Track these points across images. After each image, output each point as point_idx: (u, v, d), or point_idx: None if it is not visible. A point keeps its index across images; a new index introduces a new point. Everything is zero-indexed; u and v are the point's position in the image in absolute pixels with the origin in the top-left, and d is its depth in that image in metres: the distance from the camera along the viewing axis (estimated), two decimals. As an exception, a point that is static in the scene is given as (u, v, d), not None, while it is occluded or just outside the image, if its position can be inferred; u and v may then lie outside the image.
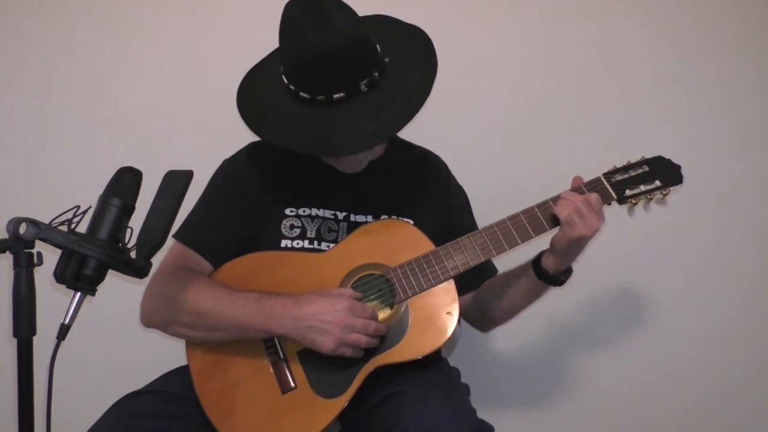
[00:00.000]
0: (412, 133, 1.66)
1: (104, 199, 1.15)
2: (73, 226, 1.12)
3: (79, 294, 1.13)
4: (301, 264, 1.50)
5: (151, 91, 2.01)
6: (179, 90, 2.01)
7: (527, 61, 2.01)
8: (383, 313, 1.45)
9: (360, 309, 1.39)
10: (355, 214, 1.59)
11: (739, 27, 1.99)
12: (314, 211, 1.57)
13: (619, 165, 1.53)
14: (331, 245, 1.54)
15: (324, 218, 1.57)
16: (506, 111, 2.01)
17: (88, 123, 2.00)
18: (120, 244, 1.15)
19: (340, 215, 1.58)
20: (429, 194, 1.66)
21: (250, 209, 1.56)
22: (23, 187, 1.99)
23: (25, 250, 1.07)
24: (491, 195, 1.80)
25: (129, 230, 1.16)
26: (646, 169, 1.51)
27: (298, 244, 1.54)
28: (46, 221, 1.09)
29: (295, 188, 1.58)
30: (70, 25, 2.01)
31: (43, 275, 1.12)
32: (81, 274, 1.12)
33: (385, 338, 1.41)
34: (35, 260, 1.09)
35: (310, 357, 1.41)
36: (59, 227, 1.11)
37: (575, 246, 1.44)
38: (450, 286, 1.46)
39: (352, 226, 1.56)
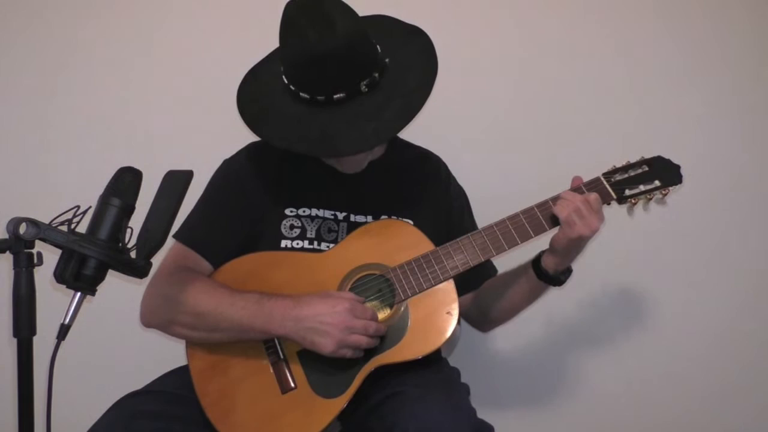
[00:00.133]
0: (412, 133, 1.66)
1: (104, 199, 1.15)
2: (73, 226, 1.12)
3: (79, 294, 1.13)
4: (300, 264, 1.50)
5: (151, 91, 2.01)
6: (179, 90, 2.01)
7: (527, 61, 2.01)
8: (383, 313, 1.45)
9: (360, 310, 1.39)
10: (355, 214, 1.59)
11: (740, 26, 1.99)
12: (314, 212, 1.57)
13: (618, 165, 1.53)
14: (331, 245, 1.54)
15: (324, 218, 1.57)
16: (506, 111, 2.01)
17: (89, 123, 2.00)
18: (120, 244, 1.15)
19: (340, 215, 1.58)
20: (429, 194, 1.66)
21: (250, 209, 1.56)
22: (23, 187, 1.99)
23: (25, 250, 1.07)
24: (491, 195, 1.80)
25: (129, 230, 1.16)
26: (646, 169, 1.51)
27: (297, 244, 1.54)
28: (46, 221, 1.09)
29: (295, 188, 1.59)
30: (70, 26, 2.01)
31: (43, 275, 1.12)
32: (81, 274, 1.12)
33: (384, 338, 1.41)
34: (35, 260, 1.09)
35: (310, 357, 1.40)
36: (59, 227, 1.11)
37: (575, 246, 1.45)
38: (450, 286, 1.46)
39: (352, 227, 1.56)
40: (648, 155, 1.53)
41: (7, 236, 1.08)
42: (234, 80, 1.56)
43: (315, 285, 1.45)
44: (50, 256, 1.11)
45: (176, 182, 1.22)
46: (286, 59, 1.46)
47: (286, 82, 1.46)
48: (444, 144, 1.79)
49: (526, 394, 2.04)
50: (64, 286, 1.13)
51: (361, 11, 1.46)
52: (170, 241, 1.40)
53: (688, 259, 1.98)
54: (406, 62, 1.48)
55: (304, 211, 1.57)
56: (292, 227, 1.55)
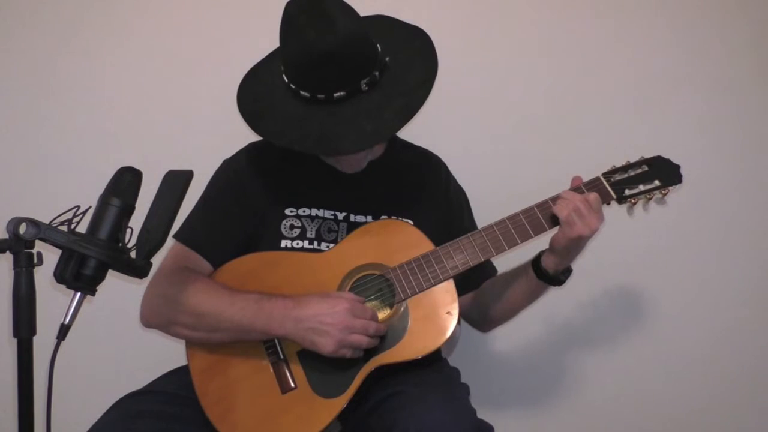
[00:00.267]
0: (412, 133, 1.67)
1: (104, 199, 1.16)
2: (73, 226, 1.12)
3: (79, 294, 1.13)
4: (300, 264, 1.50)
5: (151, 91, 2.01)
6: (179, 90, 2.01)
7: (527, 61, 2.01)
8: (383, 313, 1.45)
9: (360, 310, 1.39)
10: (355, 214, 1.59)
11: (740, 26, 1.99)
12: (314, 212, 1.57)
13: (618, 165, 1.53)
14: (331, 245, 1.54)
15: (324, 218, 1.57)
16: (506, 111, 2.01)
17: (88, 123, 2.00)
18: (120, 244, 1.15)
19: (340, 215, 1.58)
20: (429, 194, 1.66)
21: (250, 209, 1.56)
22: (23, 187, 1.99)
23: (25, 250, 1.07)
24: (491, 195, 1.80)
25: (129, 230, 1.17)
26: (646, 168, 1.51)
27: (298, 244, 1.54)
28: (46, 221, 1.09)
29: (295, 188, 1.59)
30: (69, 25, 2.01)
31: (43, 275, 1.12)
32: (81, 274, 1.12)
33: (384, 338, 1.41)
34: (35, 260, 1.09)
35: (310, 357, 1.40)
36: (59, 227, 1.11)
37: (575, 246, 1.45)
38: (450, 286, 1.46)
39: (352, 227, 1.56)
40: (648, 155, 1.53)
41: (7, 236, 1.08)
42: (234, 80, 1.56)
43: (315, 285, 1.45)
44: (50, 256, 1.12)
45: (176, 182, 1.22)
46: (287, 58, 1.46)
47: (286, 80, 1.46)
48: (444, 144, 1.79)
49: (526, 394, 2.04)
50: (64, 286, 1.13)
51: (361, 11, 1.46)
52: (170, 241, 1.40)
53: (687, 259, 1.98)
54: (406, 61, 1.49)
55: (304, 211, 1.57)
56: (292, 227, 1.55)
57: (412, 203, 1.62)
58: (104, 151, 1.98)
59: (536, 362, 2.02)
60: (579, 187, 1.49)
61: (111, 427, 1.32)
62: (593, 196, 1.44)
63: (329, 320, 1.36)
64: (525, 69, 2.01)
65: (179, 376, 1.49)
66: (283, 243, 1.54)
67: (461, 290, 1.50)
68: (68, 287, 1.13)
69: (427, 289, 1.45)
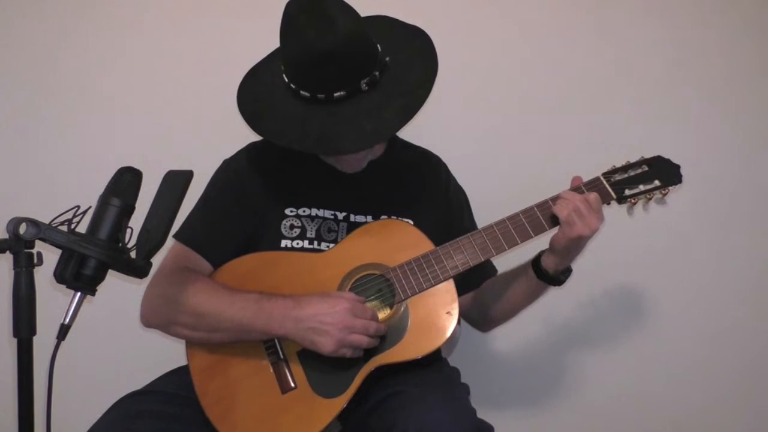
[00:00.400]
0: (411, 133, 1.66)
1: (104, 199, 1.16)
2: (73, 226, 1.12)
3: (79, 294, 1.13)
4: (300, 264, 1.50)
5: (151, 91, 2.01)
6: (179, 90, 2.01)
7: (527, 60, 2.01)
8: (383, 313, 1.45)
9: (360, 310, 1.39)
10: (355, 214, 1.59)
11: (740, 26, 1.99)
12: (314, 211, 1.57)
13: (618, 165, 1.53)
14: (331, 245, 1.54)
15: (324, 218, 1.57)
16: (506, 111, 2.01)
17: (88, 123, 2.00)
18: (120, 244, 1.15)
19: (340, 215, 1.58)
20: (429, 194, 1.66)
21: (250, 209, 1.56)
22: (23, 187, 1.99)
23: (25, 250, 1.07)
24: (491, 195, 1.80)
25: (129, 230, 1.17)
26: (646, 168, 1.51)
27: (298, 244, 1.54)
28: (46, 221, 1.09)
29: (295, 188, 1.59)
30: (69, 25, 2.01)
31: (43, 275, 1.12)
32: (81, 274, 1.12)
33: (384, 338, 1.41)
34: (35, 260, 1.09)
35: (310, 357, 1.40)
36: (59, 227, 1.11)
37: (574, 246, 1.45)
38: (450, 286, 1.46)
39: (352, 226, 1.56)
40: (648, 155, 1.53)
41: (7, 236, 1.08)
42: (234, 80, 1.56)
43: (315, 285, 1.45)
44: (50, 256, 1.12)
45: (176, 182, 1.22)
46: (287, 58, 1.46)
47: (286, 80, 1.46)
48: (444, 144, 1.79)
49: (526, 394, 2.04)
50: (64, 286, 1.13)
51: (361, 11, 1.46)
52: (170, 241, 1.40)
53: (687, 258, 1.98)
54: (406, 61, 1.49)
55: (304, 211, 1.57)
56: (292, 227, 1.55)
57: (412, 203, 1.62)
58: (104, 151, 1.98)
59: (536, 362, 2.02)
60: (579, 187, 1.49)
61: (111, 427, 1.32)
62: (593, 196, 1.44)
63: (329, 320, 1.36)
64: (525, 69, 2.01)
65: (179, 376, 1.49)
66: (283, 243, 1.54)
67: (461, 290, 1.50)
68: (68, 287, 1.13)
69: (427, 289, 1.45)
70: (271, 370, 1.43)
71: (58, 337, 1.13)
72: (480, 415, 1.38)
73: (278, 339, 1.43)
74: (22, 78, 2.00)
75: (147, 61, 2.01)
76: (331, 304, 1.37)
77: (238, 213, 1.56)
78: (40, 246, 1.09)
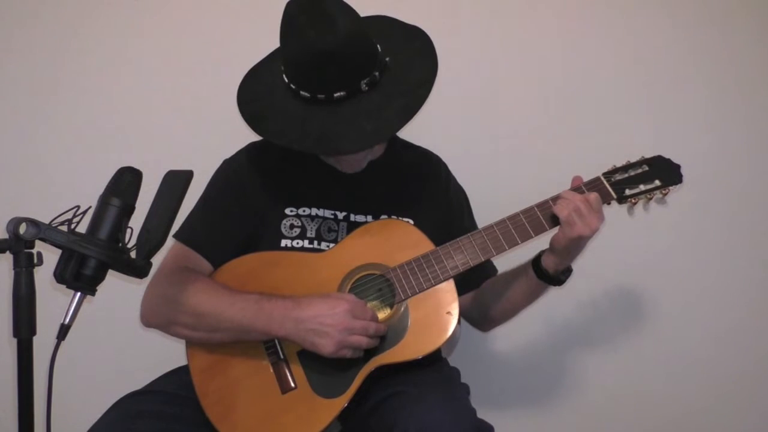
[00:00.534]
0: (411, 133, 1.66)
1: (104, 199, 1.15)
2: (73, 226, 1.12)
3: (79, 294, 1.13)
4: (300, 264, 1.50)
5: (151, 91, 2.01)
6: (179, 90, 2.01)
7: (528, 60, 2.01)
8: (383, 313, 1.45)
9: (360, 311, 1.39)
10: (355, 214, 1.59)
11: (741, 25, 1.99)
12: (314, 211, 1.57)
13: (618, 164, 1.53)
14: (331, 245, 1.54)
15: (324, 218, 1.57)
16: (506, 111, 2.01)
17: (88, 123, 2.00)
18: (120, 244, 1.15)
19: (340, 215, 1.58)
20: (429, 194, 1.66)
21: (251, 209, 1.56)
22: (23, 187, 1.99)
23: (25, 250, 1.07)
24: (491, 195, 1.80)
25: (129, 230, 1.16)
26: (646, 168, 1.51)
27: (297, 243, 1.54)
28: (46, 221, 1.09)
29: (295, 188, 1.59)
30: (69, 25, 2.01)
31: (43, 275, 1.12)
32: (81, 274, 1.12)
33: (384, 338, 1.41)
34: (35, 260, 1.09)
35: (310, 357, 1.40)
36: (59, 227, 1.11)
37: (575, 245, 1.44)
38: (450, 286, 1.46)
39: (352, 226, 1.56)
40: (648, 155, 1.53)
41: (7, 236, 1.08)
42: (234, 80, 1.56)
43: (315, 285, 1.45)
44: (50, 256, 1.11)
45: (176, 182, 1.22)
46: (287, 58, 1.46)
47: (286, 80, 1.46)
48: (444, 144, 1.78)
49: (526, 394, 2.04)
50: (64, 286, 1.13)
51: (361, 11, 1.46)
52: (170, 241, 1.40)
53: (688, 258, 1.98)
54: (406, 62, 1.49)
55: (304, 211, 1.57)
56: (292, 227, 1.55)
57: (412, 203, 1.62)
58: (104, 151, 1.98)
59: (536, 362, 2.02)
60: (579, 187, 1.49)
61: (111, 427, 1.32)
62: (593, 196, 1.44)
63: (329, 321, 1.36)
64: (525, 69, 2.01)
65: (179, 376, 1.49)
66: (283, 242, 1.54)
67: (461, 290, 1.50)
68: (68, 287, 1.13)
69: (427, 289, 1.45)
70: (271, 371, 1.43)
71: (58, 337, 1.13)
72: (480, 415, 1.38)
73: (278, 339, 1.43)
74: (22, 78, 2.00)
75: (147, 61, 2.01)
76: (331, 305, 1.37)
77: (238, 213, 1.56)
78: (40, 246, 1.09)
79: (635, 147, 1.55)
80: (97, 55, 2.01)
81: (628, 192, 1.49)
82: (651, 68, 1.99)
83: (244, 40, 1.90)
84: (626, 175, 1.51)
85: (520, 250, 1.51)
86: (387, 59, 1.48)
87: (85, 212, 1.14)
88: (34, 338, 1.09)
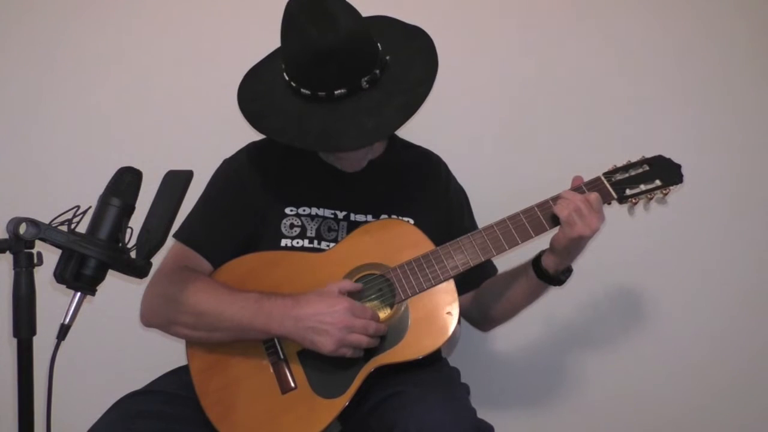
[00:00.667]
0: (412, 132, 1.66)
1: (104, 199, 1.15)
2: (73, 226, 1.12)
3: (79, 294, 1.13)
4: (301, 264, 1.50)
5: (151, 91, 2.01)
6: (180, 90, 2.01)
7: (528, 60, 2.01)
8: (383, 313, 1.45)
9: (360, 309, 1.39)
10: (355, 213, 1.59)
11: (741, 25, 1.99)
12: (314, 211, 1.57)
13: (619, 164, 1.52)
14: (331, 245, 1.54)
15: (324, 217, 1.57)
16: (506, 111, 2.01)
17: (88, 123, 2.00)
18: (120, 244, 1.15)
19: (340, 214, 1.58)
20: (429, 194, 1.66)
21: (250, 209, 1.56)
22: (23, 187, 1.99)
23: (25, 250, 1.07)
24: (491, 195, 1.80)
25: (129, 230, 1.16)
26: (647, 168, 1.51)
27: (297, 243, 1.54)
28: (46, 221, 1.09)
29: (295, 187, 1.59)
30: (69, 25, 2.00)
31: (43, 275, 1.12)
32: (81, 274, 1.12)
33: (385, 338, 1.41)
34: (35, 260, 1.09)
35: (310, 357, 1.40)
36: (59, 227, 1.11)
37: (575, 245, 1.44)
38: (450, 285, 1.46)
39: (352, 226, 1.56)
40: (649, 154, 1.53)
41: (7, 236, 1.08)
42: (234, 79, 1.56)
43: (315, 285, 1.44)
44: (50, 256, 1.11)
45: (176, 182, 1.22)
46: (288, 55, 1.46)
47: (287, 78, 1.46)
48: (444, 144, 1.78)
49: (526, 394, 2.04)
50: (64, 286, 1.13)
51: (362, 11, 1.46)
52: (170, 241, 1.40)
53: (688, 258, 1.98)
54: (406, 60, 1.49)
55: (304, 210, 1.57)
56: (292, 226, 1.55)
57: (413, 203, 1.62)
58: (104, 151, 1.98)
59: (536, 362, 2.02)
60: (580, 187, 1.49)
61: (111, 427, 1.32)
62: (594, 195, 1.44)
63: (329, 319, 1.36)
64: (525, 68, 2.00)
65: (179, 376, 1.49)
66: (283, 242, 1.54)
67: (461, 290, 1.50)
68: (68, 287, 1.13)
69: (427, 289, 1.45)
70: (271, 371, 1.43)
71: (58, 337, 1.13)
72: (480, 415, 1.38)
73: (278, 339, 1.43)
74: (21, 78, 2.00)
75: (147, 61, 2.01)
76: (330, 303, 1.37)
77: (239, 212, 1.56)
78: (40, 246, 1.09)
79: (636, 147, 1.55)
80: (97, 54, 2.01)
81: (628, 192, 1.49)
82: (651, 68, 1.99)
83: (244, 40, 1.89)
84: (627, 175, 1.50)
85: (520, 250, 1.50)
86: (387, 57, 1.48)
87: (85, 212, 1.14)
88: (34, 338, 1.09)
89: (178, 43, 2.01)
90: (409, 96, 1.44)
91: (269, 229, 1.55)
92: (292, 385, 1.41)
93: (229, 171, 1.61)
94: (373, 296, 1.47)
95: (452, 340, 1.45)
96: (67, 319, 1.13)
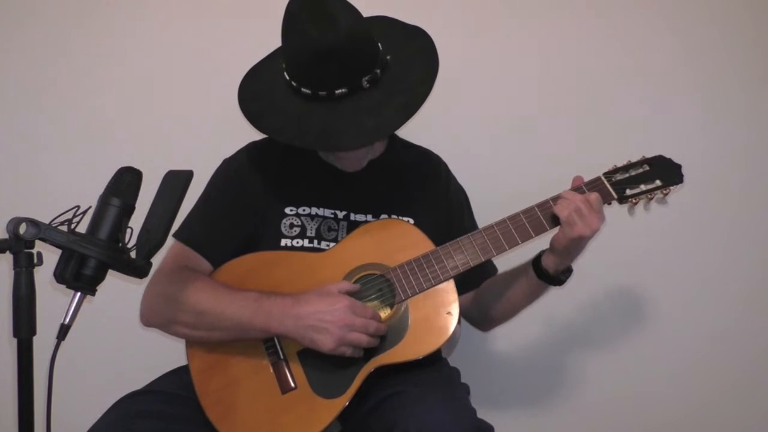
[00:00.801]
0: (412, 132, 1.66)
1: (104, 199, 1.15)
2: (73, 226, 1.12)
3: (79, 294, 1.13)
4: (301, 264, 1.50)
5: (151, 91, 2.01)
6: (180, 90, 2.01)
7: (528, 60, 2.00)
8: (383, 313, 1.45)
9: (360, 308, 1.39)
10: (355, 213, 1.59)
11: (741, 25, 1.98)
12: (314, 210, 1.57)
13: (619, 164, 1.52)
14: (331, 244, 1.54)
15: (324, 217, 1.57)
16: (506, 111, 2.00)
17: (88, 123, 2.00)
18: (120, 244, 1.15)
19: (340, 214, 1.58)
20: (429, 194, 1.66)
21: (250, 208, 1.56)
22: (23, 187, 1.99)
23: (25, 250, 1.07)
24: (491, 195, 1.80)
25: (129, 230, 1.16)
26: (647, 168, 1.50)
27: (297, 243, 1.54)
28: (46, 221, 1.09)
29: (295, 187, 1.58)
30: (69, 25, 2.01)
31: (43, 275, 1.12)
32: (81, 274, 1.12)
33: (385, 338, 1.41)
34: (35, 260, 1.09)
35: (310, 357, 1.41)
36: (59, 227, 1.11)
37: (575, 246, 1.44)
38: (450, 286, 1.46)
39: (352, 226, 1.56)
40: (649, 154, 1.53)
41: (7, 236, 1.08)
42: (234, 79, 1.56)
43: (315, 285, 1.44)
44: (50, 256, 1.11)
45: (176, 182, 1.22)
46: (288, 55, 1.46)
47: (287, 78, 1.46)
48: (444, 144, 1.78)
49: (526, 394, 2.04)
50: (64, 286, 1.13)
51: (362, 11, 1.46)
52: (170, 241, 1.40)
53: (688, 259, 1.98)
54: (407, 60, 1.49)
55: (304, 210, 1.57)
56: (291, 226, 1.55)
57: (413, 202, 1.61)
58: (104, 151, 1.97)
59: (536, 362, 2.02)
60: (580, 187, 1.49)
61: (111, 427, 1.32)
62: (594, 196, 1.43)
63: (329, 318, 1.36)
64: (525, 68, 2.00)
65: (179, 376, 1.49)
66: (283, 242, 1.54)
67: (461, 289, 1.50)
68: (68, 287, 1.13)
69: (427, 289, 1.45)
70: (271, 371, 1.43)
71: (58, 337, 1.13)
72: (480, 415, 1.38)
73: (278, 338, 1.43)
74: (22, 78, 2.00)
75: (147, 60, 2.01)
76: (330, 301, 1.37)
77: (238, 212, 1.56)
78: (40, 246, 1.09)
79: (636, 147, 1.55)
80: (97, 54, 2.01)
81: (628, 192, 1.49)
82: (652, 68, 1.99)
83: (244, 40, 1.89)
84: (627, 175, 1.50)
85: (520, 250, 1.50)
86: (388, 57, 1.48)
87: (85, 212, 1.14)
88: (34, 338, 1.09)
89: (179, 43, 2.01)
90: (409, 96, 1.44)
91: (269, 229, 1.55)
92: (292, 385, 1.41)
93: (229, 171, 1.61)
94: (373, 296, 1.47)
95: (452, 340, 1.45)
96: (67, 319, 1.13)
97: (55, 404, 1.14)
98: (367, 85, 1.43)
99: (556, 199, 1.47)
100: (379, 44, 1.48)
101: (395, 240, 1.50)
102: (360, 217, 1.58)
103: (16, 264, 1.07)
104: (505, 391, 2.04)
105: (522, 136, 2.00)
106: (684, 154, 1.54)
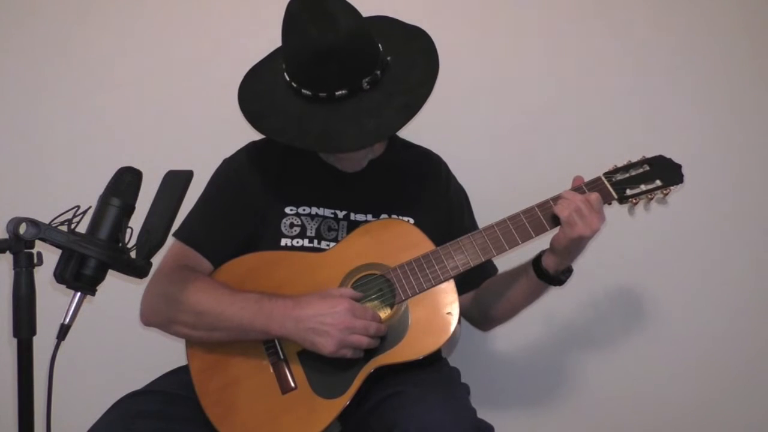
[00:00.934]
0: (412, 132, 1.66)
1: (104, 199, 1.15)
2: (73, 226, 1.12)
3: (79, 294, 1.13)
4: (301, 264, 1.50)
5: (151, 91, 2.01)
6: (179, 90, 2.01)
7: (529, 60, 2.01)
8: (383, 313, 1.45)
9: (360, 310, 1.39)
10: (355, 213, 1.59)
11: (742, 25, 1.98)
12: (314, 210, 1.57)
13: (619, 164, 1.52)
14: (331, 244, 1.54)
15: (324, 217, 1.57)
16: (507, 111, 2.00)
17: (88, 123, 2.00)
18: (120, 244, 1.15)
19: (340, 214, 1.58)
20: (429, 194, 1.66)
21: (250, 208, 1.56)
22: (23, 187, 1.99)
23: (25, 250, 1.07)
24: (491, 195, 1.80)
25: (129, 230, 1.16)
26: (647, 168, 1.50)
27: (297, 242, 1.54)
28: (46, 221, 1.09)
29: (295, 187, 1.58)
30: (69, 25, 2.00)
31: (43, 275, 1.12)
32: (81, 274, 1.12)
33: (385, 338, 1.41)
34: (35, 260, 1.09)
35: (311, 357, 1.40)
36: (59, 227, 1.10)
37: (575, 246, 1.44)
38: (450, 286, 1.46)
39: (352, 225, 1.56)
40: (649, 154, 1.53)
41: (7, 236, 1.08)
42: (234, 80, 1.56)
43: (315, 285, 1.45)
44: (50, 256, 1.11)
45: (176, 182, 1.22)
46: (288, 56, 1.46)
47: (287, 79, 1.46)
48: (444, 144, 1.78)
49: (526, 394, 2.04)
50: (64, 286, 1.13)
51: (362, 11, 1.46)
52: (170, 241, 1.40)
53: (689, 259, 1.98)
54: (407, 61, 1.49)
55: (304, 210, 1.57)
56: (292, 226, 1.55)
57: (413, 202, 1.61)
58: (104, 151, 1.97)
59: (536, 362, 2.02)
60: (580, 187, 1.49)
61: (111, 427, 1.32)
62: (594, 196, 1.43)
63: (330, 320, 1.35)
64: (526, 69, 2.00)
65: (179, 376, 1.49)
66: (283, 242, 1.54)
67: (461, 289, 1.50)
68: (68, 287, 1.13)
69: (427, 289, 1.45)
70: (272, 371, 1.43)
71: (58, 337, 1.13)
72: (480, 415, 1.38)
73: (278, 339, 1.43)
74: (22, 78, 2.00)
75: (147, 60, 2.01)
76: (331, 304, 1.37)
77: (238, 212, 1.56)
78: (40, 246, 1.09)
79: (636, 147, 1.55)
80: (97, 54, 2.01)
81: (629, 192, 1.49)
82: (652, 68, 1.99)
83: (244, 40, 1.90)
84: (627, 175, 1.50)
85: (520, 250, 1.50)
86: (388, 58, 1.48)
87: (85, 212, 1.14)
88: (34, 338, 1.09)
89: (179, 43, 2.01)
90: (410, 97, 1.44)
91: (269, 229, 1.55)
92: (292, 385, 1.41)
93: (229, 171, 1.61)
94: (373, 296, 1.47)
95: (452, 340, 1.45)
96: (67, 319, 1.13)
97: (55, 404, 1.14)
98: (368, 87, 1.43)
99: (556, 199, 1.47)
100: (380, 45, 1.47)
101: (395, 240, 1.50)
102: (360, 217, 1.58)
103: (16, 264, 1.07)
104: (505, 391, 2.03)
105: (522, 136, 2.00)
106: (684, 154, 1.54)
